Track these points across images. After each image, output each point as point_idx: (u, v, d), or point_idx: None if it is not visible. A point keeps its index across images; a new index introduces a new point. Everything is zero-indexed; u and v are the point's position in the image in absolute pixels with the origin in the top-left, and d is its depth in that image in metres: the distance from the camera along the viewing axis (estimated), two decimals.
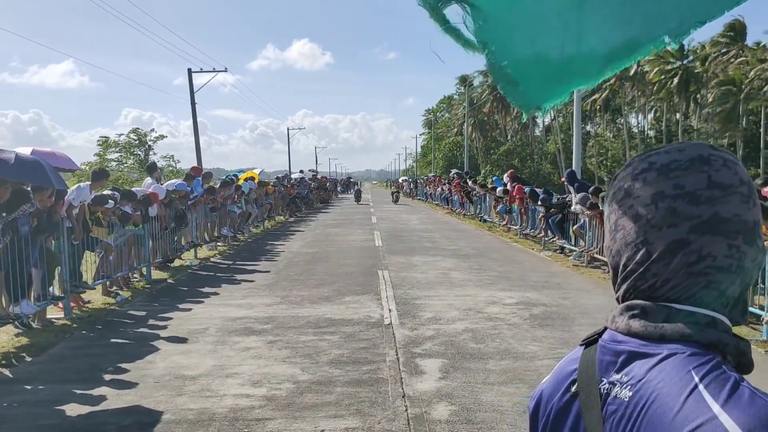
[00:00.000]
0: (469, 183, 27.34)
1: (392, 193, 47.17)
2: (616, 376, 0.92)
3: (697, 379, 0.83)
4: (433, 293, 10.16)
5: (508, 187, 20.11)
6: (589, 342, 1.01)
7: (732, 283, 0.92)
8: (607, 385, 0.93)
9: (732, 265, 0.92)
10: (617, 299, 1.01)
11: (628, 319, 0.95)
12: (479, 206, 26.08)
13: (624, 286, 0.98)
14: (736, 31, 54.90)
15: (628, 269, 0.97)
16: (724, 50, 55.10)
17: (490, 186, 24.14)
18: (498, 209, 21.66)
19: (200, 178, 15.97)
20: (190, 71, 32.19)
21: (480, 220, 24.76)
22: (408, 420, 4.99)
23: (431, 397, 5.49)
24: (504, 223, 21.14)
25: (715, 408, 0.79)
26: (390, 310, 8.82)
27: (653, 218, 0.94)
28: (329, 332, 7.71)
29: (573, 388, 1.00)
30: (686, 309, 0.92)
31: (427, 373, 6.13)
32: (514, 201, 19.24)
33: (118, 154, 48.91)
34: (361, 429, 4.83)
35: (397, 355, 6.73)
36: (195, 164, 21.69)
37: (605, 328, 1.00)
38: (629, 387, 0.89)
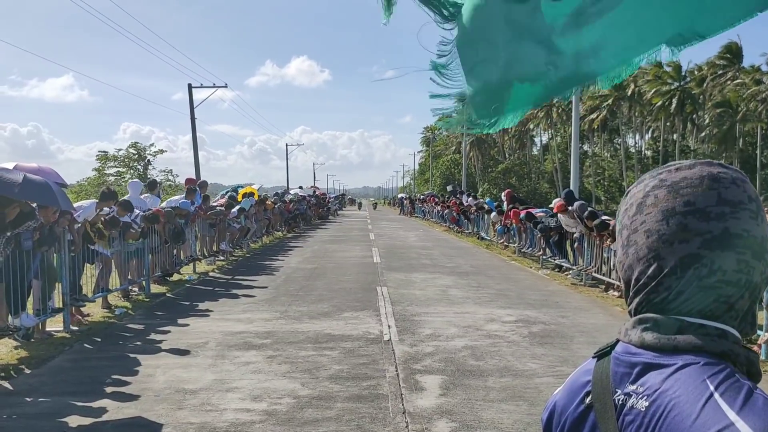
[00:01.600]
0: (464, 200, 27.40)
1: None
2: (631, 387, 0.95)
3: (712, 387, 0.86)
4: (432, 310, 10.17)
5: (504, 207, 20.18)
6: (602, 354, 1.04)
7: (741, 297, 0.96)
8: (622, 396, 0.96)
9: (741, 280, 0.95)
10: (629, 312, 1.04)
11: (641, 331, 0.98)
12: (477, 224, 26.14)
13: (636, 300, 1.02)
14: (733, 53, 55.43)
15: (640, 283, 1.01)
16: (721, 72, 55.55)
17: (485, 209, 24.16)
18: (496, 229, 21.67)
19: (199, 192, 15.97)
20: (190, 86, 32.39)
21: (478, 238, 24.80)
22: None
23: (432, 413, 5.49)
24: (502, 240, 21.18)
25: (732, 415, 0.82)
26: (389, 326, 8.83)
27: (665, 234, 0.98)
28: (329, 348, 7.72)
29: (588, 400, 1.02)
30: (698, 322, 0.95)
31: (427, 389, 6.14)
32: (510, 221, 19.27)
33: (117, 168, 48.92)
34: None
35: (397, 371, 6.73)
36: (190, 176, 21.69)
37: (617, 341, 1.03)
38: (645, 397, 0.92)
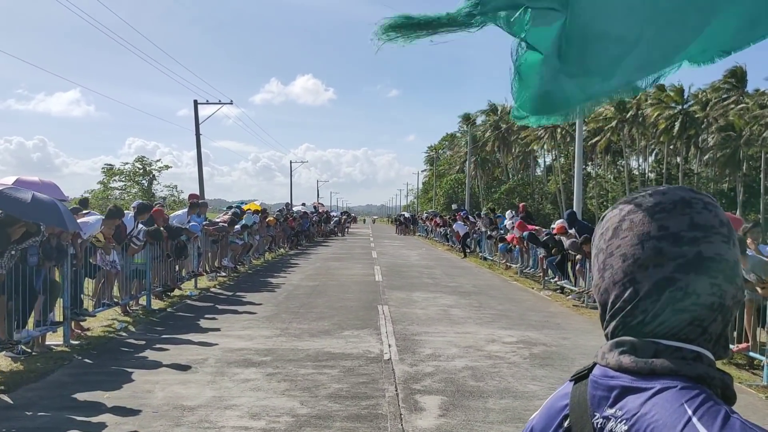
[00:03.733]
0: (470, 219, 27.41)
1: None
2: (609, 411, 0.95)
3: (690, 411, 0.87)
4: (432, 330, 10.15)
5: (510, 222, 20.02)
6: (579, 377, 1.05)
7: (714, 320, 0.98)
8: (600, 420, 0.96)
9: (714, 303, 0.97)
10: (606, 335, 1.05)
11: (618, 355, 0.99)
12: (479, 245, 26.12)
13: (613, 323, 1.03)
14: (737, 78, 55.65)
15: (616, 306, 1.02)
16: (725, 96, 55.73)
17: (493, 221, 24.09)
18: (499, 247, 21.67)
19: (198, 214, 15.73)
20: (196, 102, 32.62)
21: (480, 258, 24.78)
22: None
23: None
24: (504, 261, 21.15)
25: None
26: (390, 346, 8.81)
27: (640, 258, 1.00)
28: (329, 366, 7.70)
29: (566, 423, 1.03)
30: (674, 345, 0.97)
31: (426, 410, 6.11)
32: (514, 241, 19.21)
33: (123, 182, 49.09)
34: None
35: (396, 390, 6.71)
36: (194, 193, 21.65)
37: (594, 364, 1.04)
38: (624, 421, 0.92)
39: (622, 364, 0.98)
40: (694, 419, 0.86)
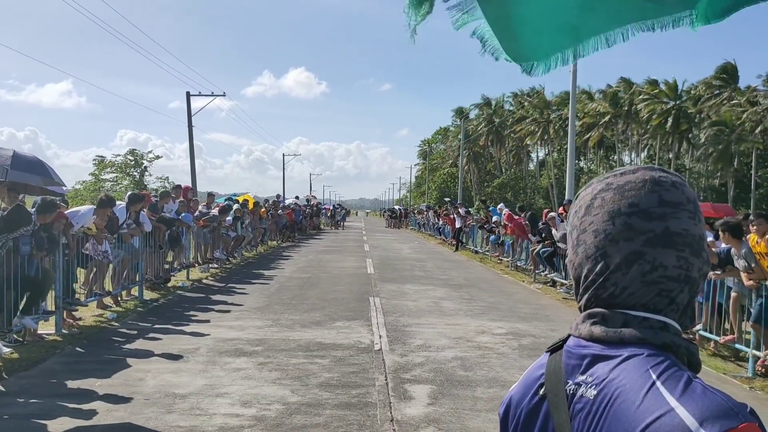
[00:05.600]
0: (461, 212, 27.48)
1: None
2: (581, 378, 1.02)
3: (654, 376, 0.94)
4: (423, 321, 10.22)
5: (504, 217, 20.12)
6: (555, 348, 1.11)
7: (681, 291, 1.04)
8: (573, 386, 1.03)
9: (681, 275, 1.03)
10: (579, 308, 1.11)
11: (590, 325, 1.05)
12: (471, 238, 26.22)
13: (586, 296, 1.09)
14: (729, 74, 55.85)
15: (589, 280, 1.08)
16: (717, 92, 55.95)
17: (484, 217, 24.18)
18: (490, 239, 21.78)
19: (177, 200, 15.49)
20: (188, 94, 32.50)
21: (472, 252, 24.88)
22: None
23: (419, 422, 5.54)
24: (496, 254, 21.26)
25: (672, 401, 0.90)
26: (380, 336, 8.88)
27: (611, 233, 1.05)
28: (319, 356, 7.76)
29: (541, 391, 1.09)
30: (641, 315, 1.03)
31: (415, 398, 6.19)
32: (508, 231, 19.30)
33: (114, 174, 48.79)
34: None
35: (386, 380, 6.78)
36: (188, 185, 21.47)
37: (569, 336, 1.10)
38: (594, 386, 0.99)
39: (593, 334, 1.04)
40: (658, 383, 0.93)
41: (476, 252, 24.31)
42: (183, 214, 14.32)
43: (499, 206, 22.14)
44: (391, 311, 11.02)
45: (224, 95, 33.34)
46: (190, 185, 28.80)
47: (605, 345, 1.02)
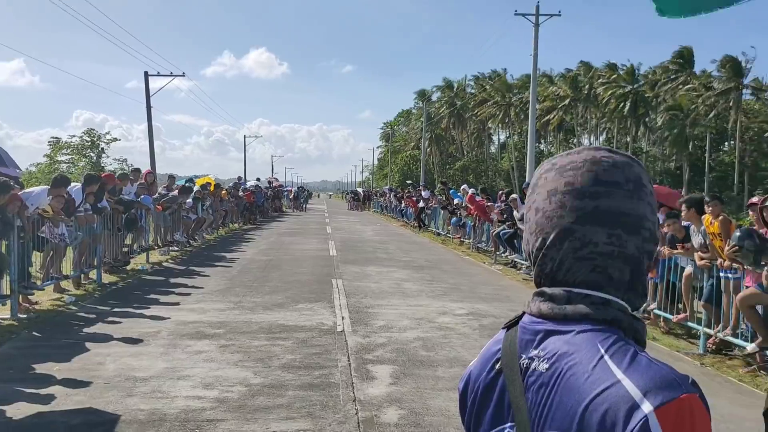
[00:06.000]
0: (423, 194, 27.63)
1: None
2: (534, 352, 1.06)
3: (602, 350, 0.99)
4: (385, 302, 10.30)
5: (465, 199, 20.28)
6: (511, 325, 1.16)
7: (618, 268, 1.08)
8: (526, 360, 1.07)
9: (614, 252, 1.07)
10: (535, 284, 1.16)
11: (539, 303, 1.10)
12: (433, 220, 26.40)
13: (534, 272, 1.15)
14: (685, 59, 57.01)
15: (533, 256, 1.13)
16: (673, 77, 57.09)
17: (446, 199, 24.36)
18: (451, 221, 21.98)
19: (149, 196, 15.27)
20: (146, 74, 31.82)
21: (434, 234, 25.07)
22: (358, 423, 5.11)
23: (381, 401, 5.61)
24: (458, 236, 21.46)
25: (619, 374, 0.95)
26: (343, 318, 8.93)
27: (547, 210, 1.10)
28: (282, 338, 7.78)
29: (498, 366, 1.13)
30: (583, 292, 1.07)
31: (378, 378, 6.26)
32: (471, 213, 19.48)
33: (70, 155, 47.62)
34: (311, 431, 4.93)
35: (348, 361, 6.84)
36: (149, 169, 21.09)
37: (524, 313, 1.15)
38: (546, 360, 1.04)
39: (542, 311, 1.08)
40: (606, 356, 0.98)
41: (438, 234, 24.50)
42: (142, 196, 14.11)
43: (462, 187, 22.29)
44: (353, 293, 11.07)
45: (183, 75, 32.77)
46: (149, 167, 28.32)
47: (555, 321, 1.07)
